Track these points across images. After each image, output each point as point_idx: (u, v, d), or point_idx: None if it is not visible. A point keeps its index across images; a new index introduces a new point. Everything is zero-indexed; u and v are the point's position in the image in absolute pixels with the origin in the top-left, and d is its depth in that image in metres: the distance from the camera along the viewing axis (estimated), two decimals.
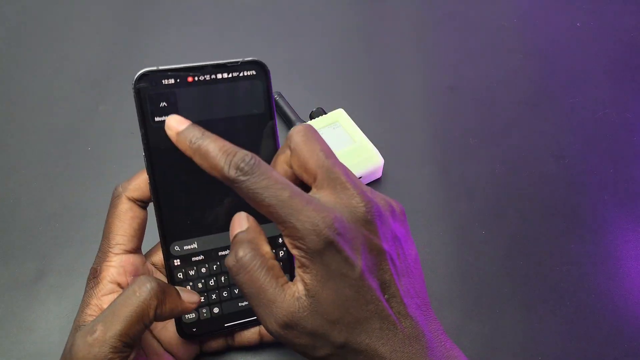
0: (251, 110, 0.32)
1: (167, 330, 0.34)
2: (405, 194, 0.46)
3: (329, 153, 0.29)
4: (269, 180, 0.27)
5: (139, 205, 0.33)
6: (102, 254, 0.32)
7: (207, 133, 0.28)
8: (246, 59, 0.31)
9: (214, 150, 0.27)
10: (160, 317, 0.29)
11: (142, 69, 0.30)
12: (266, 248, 0.28)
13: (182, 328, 0.34)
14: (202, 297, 0.33)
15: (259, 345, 0.36)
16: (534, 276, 0.42)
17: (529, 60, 0.58)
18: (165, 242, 0.32)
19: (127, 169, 0.47)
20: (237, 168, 0.27)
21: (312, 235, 0.26)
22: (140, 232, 0.33)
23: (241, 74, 0.31)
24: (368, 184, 0.47)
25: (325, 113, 0.49)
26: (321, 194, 0.28)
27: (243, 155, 0.27)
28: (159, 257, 0.35)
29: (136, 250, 0.33)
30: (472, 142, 0.50)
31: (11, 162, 0.48)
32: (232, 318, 0.34)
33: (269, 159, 0.31)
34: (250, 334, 0.35)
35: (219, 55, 0.56)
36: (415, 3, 0.64)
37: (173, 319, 0.34)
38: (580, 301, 0.40)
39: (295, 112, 0.49)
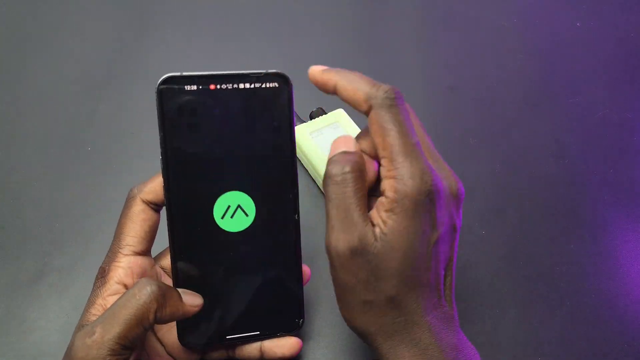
0: (271, 122, 0.32)
1: (172, 334, 0.34)
2: None
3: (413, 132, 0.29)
4: (405, 116, 0.28)
5: (152, 208, 0.33)
6: (111, 254, 0.32)
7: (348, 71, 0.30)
8: (270, 70, 0.31)
9: (360, 78, 0.30)
10: (160, 320, 0.29)
11: (147, 70, 0.30)
12: (369, 178, 0.29)
13: (184, 337, 0.33)
14: (207, 307, 0.33)
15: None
16: (534, 276, 0.42)
17: (529, 60, 0.58)
18: (174, 248, 0.32)
19: (128, 169, 0.47)
20: (385, 92, 0.28)
21: (418, 185, 0.27)
22: (151, 235, 0.33)
23: (263, 85, 0.31)
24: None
25: (325, 113, 0.49)
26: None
27: (391, 87, 0.29)
28: (167, 261, 0.35)
29: (145, 252, 0.33)
30: (472, 142, 0.50)
31: (11, 162, 0.48)
32: (234, 331, 0.34)
33: (286, 171, 0.32)
34: (252, 349, 0.35)
35: (219, 55, 0.56)
36: (415, 3, 0.64)
37: (175, 325, 0.34)
38: (580, 301, 0.40)
39: (295, 112, 0.49)
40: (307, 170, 0.47)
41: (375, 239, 0.27)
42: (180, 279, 0.32)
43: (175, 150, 0.31)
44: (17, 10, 0.61)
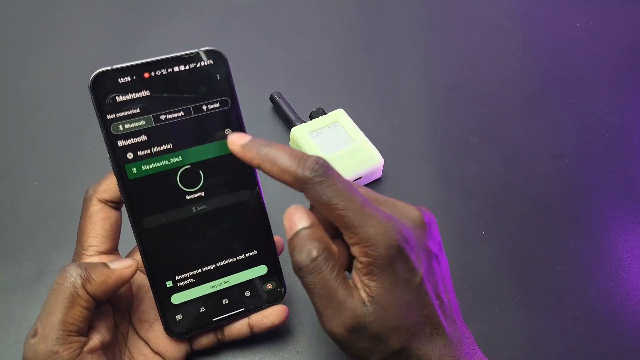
0: (213, 100, 0.32)
1: (154, 330, 0.34)
2: (405, 194, 0.46)
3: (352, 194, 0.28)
4: (342, 184, 0.27)
5: (110, 206, 0.33)
6: (76, 258, 0.32)
7: (273, 142, 0.29)
8: (202, 48, 0.31)
9: (283, 156, 0.28)
10: (97, 294, 0.29)
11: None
12: (334, 247, 0.28)
13: (170, 327, 0.33)
14: (190, 293, 0.34)
15: (250, 338, 0.36)
16: (533, 276, 0.42)
17: (529, 60, 0.58)
18: (141, 242, 0.32)
19: None
20: (312, 169, 0.27)
21: (383, 242, 0.27)
22: (113, 233, 0.33)
23: (198, 65, 0.31)
24: (368, 184, 0.47)
25: (325, 113, 0.49)
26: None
27: (316, 158, 0.28)
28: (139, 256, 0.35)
29: (111, 251, 0.33)
30: (472, 141, 0.50)
31: (11, 162, 0.48)
32: (219, 312, 0.34)
33: (226, 110, 0.32)
34: (240, 326, 0.35)
35: None
36: (415, 3, 0.64)
37: (159, 321, 0.34)
38: (580, 301, 0.40)
39: (295, 112, 0.49)
40: None
41: (366, 305, 0.27)
42: (154, 268, 0.33)
43: (120, 145, 0.31)
44: (17, 10, 0.61)
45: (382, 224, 0.27)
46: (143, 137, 0.31)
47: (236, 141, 0.30)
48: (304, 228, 0.28)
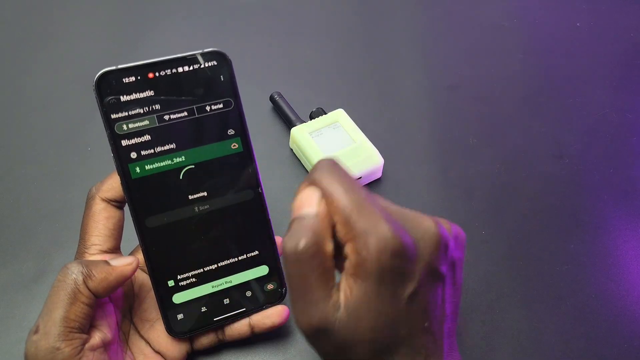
0: (217, 101, 0.32)
1: (155, 329, 0.34)
2: (405, 194, 0.46)
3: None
4: (349, 176, 0.26)
5: (113, 206, 0.33)
6: (78, 256, 0.33)
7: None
8: (206, 50, 0.32)
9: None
10: (98, 289, 0.29)
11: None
12: (330, 246, 0.26)
13: (171, 326, 0.33)
14: (191, 292, 0.34)
15: (251, 338, 0.36)
16: (533, 276, 0.42)
17: (529, 60, 0.58)
18: (144, 241, 0.32)
19: None
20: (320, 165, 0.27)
21: (376, 245, 0.24)
22: (116, 232, 0.33)
23: (202, 66, 0.31)
24: (368, 184, 0.47)
25: (325, 113, 0.48)
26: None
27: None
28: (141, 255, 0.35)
29: (114, 250, 0.33)
30: (472, 141, 0.50)
31: (11, 162, 0.48)
32: (220, 312, 0.34)
33: (230, 111, 0.32)
34: (241, 326, 0.35)
35: None
36: (415, 3, 0.64)
37: (160, 321, 0.34)
38: (580, 301, 0.40)
39: (295, 112, 0.49)
40: (307, 170, 0.47)
41: (339, 310, 0.25)
42: (156, 268, 0.33)
43: (124, 144, 0.31)
44: (17, 10, 0.61)
45: (380, 226, 0.24)
46: (147, 137, 0.31)
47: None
48: (307, 216, 0.26)
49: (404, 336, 0.26)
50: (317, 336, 0.25)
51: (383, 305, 0.25)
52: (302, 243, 0.25)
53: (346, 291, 0.25)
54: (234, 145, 0.33)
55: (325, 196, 0.26)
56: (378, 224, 0.25)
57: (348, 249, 0.25)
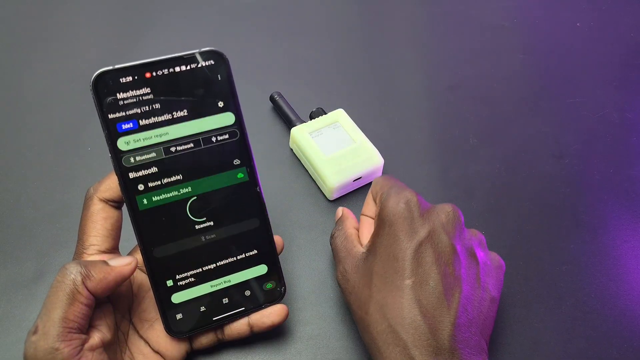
0: (214, 100, 0.32)
1: (155, 329, 0.34)
2: None
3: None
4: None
5: (111, 206, 0.33)
6: (77, 257, 0.32)
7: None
8: (203, 49, 0.31)
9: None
10: (97, 290, 0.29)
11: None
12: (354, 228, 0.37)
13: (170, 326, 0.33)
14: (190, 292, 0.34)
15: (250, 338, 0.36)
16: (533, 276, 0.42)
17: (529, 60, 0.58)
18: (143, 243, 0.32)
19: None
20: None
21: (394, 204, 0.33)
22: (114, 232, 0.33)
23: (199, 65, 0.31)
24: (368, 184, 0.47)
25: (325, 113, 0.48)
26: None
27: None
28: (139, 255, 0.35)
29: (112, 250, 0.33)
30: (472, 141, 0.50)
31: (11, 162, 0.48)
32: (219, 311, 0.34)
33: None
34: (240, 326, 0.35)
35: None
36: (415, 2, 0.64)
37: (159, 320, 0.34)
38: (580, 301, 0.40)
39: (295, 112, 0.49)
40: (307, 170, 0.47)
41: (358, 258, 0.34)
42: (155, 268, 0.33)
43: (122, 144, 0.31)
44: (17, 10, 0.61)
45: (403, 189, 0.35)
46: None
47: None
48: (341, 214, 0.39)
49: (413, 282, 0.31)
50: (343, 277, 0.34)
51: (392, 246, 0.32)
52: (335, 229, 0.38)
53: (368, 243, 0.35)
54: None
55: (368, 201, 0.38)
56: (398, 193, 0.34)
57: (375, 217, 0.35)
